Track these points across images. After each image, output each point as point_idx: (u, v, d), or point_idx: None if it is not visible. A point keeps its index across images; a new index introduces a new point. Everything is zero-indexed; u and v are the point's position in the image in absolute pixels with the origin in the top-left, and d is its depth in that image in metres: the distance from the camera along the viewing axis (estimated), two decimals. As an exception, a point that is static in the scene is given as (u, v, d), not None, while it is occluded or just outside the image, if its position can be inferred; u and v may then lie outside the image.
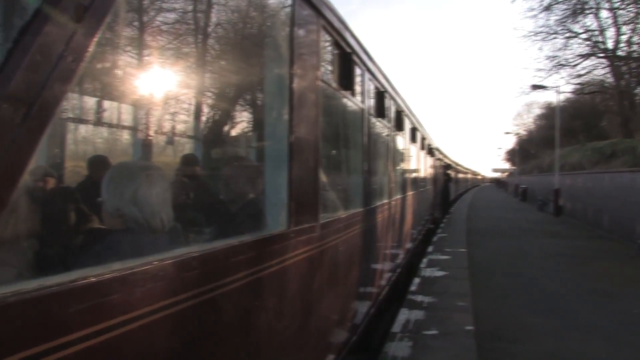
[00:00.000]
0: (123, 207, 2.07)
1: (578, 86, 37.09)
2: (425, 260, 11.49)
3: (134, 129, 3.85)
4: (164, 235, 2.18)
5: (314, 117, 3.36)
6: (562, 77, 48.98)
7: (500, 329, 6.48)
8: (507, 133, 79.61)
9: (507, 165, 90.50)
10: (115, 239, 2.03)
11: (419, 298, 7.93)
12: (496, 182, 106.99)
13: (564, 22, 33.02)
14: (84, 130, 3.70)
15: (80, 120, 3.55)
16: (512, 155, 78.22)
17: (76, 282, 1.43)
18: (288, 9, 3.04)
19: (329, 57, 4.03)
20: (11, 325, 1.23)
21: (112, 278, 1.56)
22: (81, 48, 1.43)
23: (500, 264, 11.37)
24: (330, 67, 4.09)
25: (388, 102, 6.80)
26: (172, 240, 2.21)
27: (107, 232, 2.08)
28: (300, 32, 3.15)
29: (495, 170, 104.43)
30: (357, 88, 4.91)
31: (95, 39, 1.49)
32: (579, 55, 34.25)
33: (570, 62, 34.51)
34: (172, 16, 3.21)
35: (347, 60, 4.34)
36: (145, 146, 3.74)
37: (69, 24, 1.39)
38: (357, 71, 4.80)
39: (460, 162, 54.31)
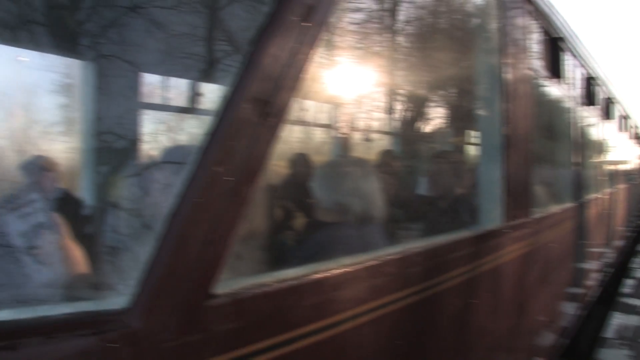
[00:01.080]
0: (345, 201, 2.13)
1: None
2: (638, 259, 10.44)
3: (332, 127, 3.98)
4: (381, 229, 2.21)
5: (526, 107, 3.21)
6: None
7: None
8: None
9: None
10: (338, 233, 2.10)
11: (634, 302, 7.21)
12: None
13: None
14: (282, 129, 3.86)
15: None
16: None
17: (308, 277, 1.49)
18: (494, -4, 2.93)
19: (537, 44, 3.81)
20: (252, 316, 1.31)
21: (343, 272, 1.60)
22: (309, 48, 1.48)
23: None
24: (538, 55, 3.87)
25: (598, 89, 6.30)
26: (388, 235, 2.24)
27: (330, 226, 2.16)
28: (508, 19, 3.01)
29: None
30: (566, 75, 4.60)
31: (321, 38, 1.53)
32: None
33: None
34: (372, 12, 3.23)
35: (556, 46, 4.09)
36: (347, 144, 3.85)
37: (298, 24, 1.44)
38: (566, 57, 4.50)
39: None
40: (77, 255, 1.48)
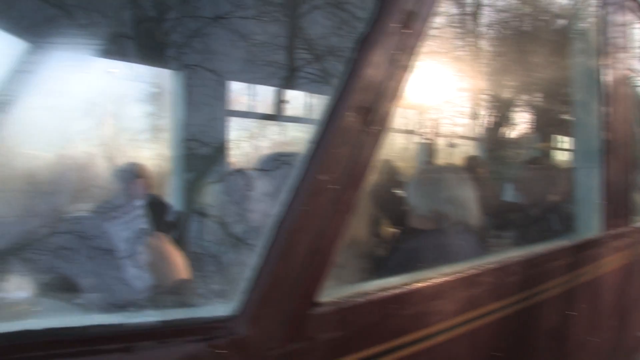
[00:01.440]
0: (441, 208, 2.09)
1: None
2: None
3: (420, 133, 3.92)
4: (475, 237, 2.15)
5: (626, 111, 3.05)
6: None
7: None
8: None
9: None
10: (433, 241, 2.06)
11: None
12: None
13: None
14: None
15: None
16: None
17: (409, 285, 1.47)
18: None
19: (637, 42, 3.62)
20: (354, 325, 1.30)
21: (443, 282, 1.57)
22: (409, 55, 1.45)
23: None
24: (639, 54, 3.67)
25: None
26: (481, 243, 2.18)
27: (425, 233, 2.12)
28: (605, 17, 2.87)
29: None
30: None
31: (421, 45, 1.50)
32: None
33: None
34: (460, 15, 3.17)
35: (659, 44, 3.86)
36: (436, 150, 3.79)
37: (399, 31, 1.41)
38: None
39: None
40: (180, 261, 1.51)
